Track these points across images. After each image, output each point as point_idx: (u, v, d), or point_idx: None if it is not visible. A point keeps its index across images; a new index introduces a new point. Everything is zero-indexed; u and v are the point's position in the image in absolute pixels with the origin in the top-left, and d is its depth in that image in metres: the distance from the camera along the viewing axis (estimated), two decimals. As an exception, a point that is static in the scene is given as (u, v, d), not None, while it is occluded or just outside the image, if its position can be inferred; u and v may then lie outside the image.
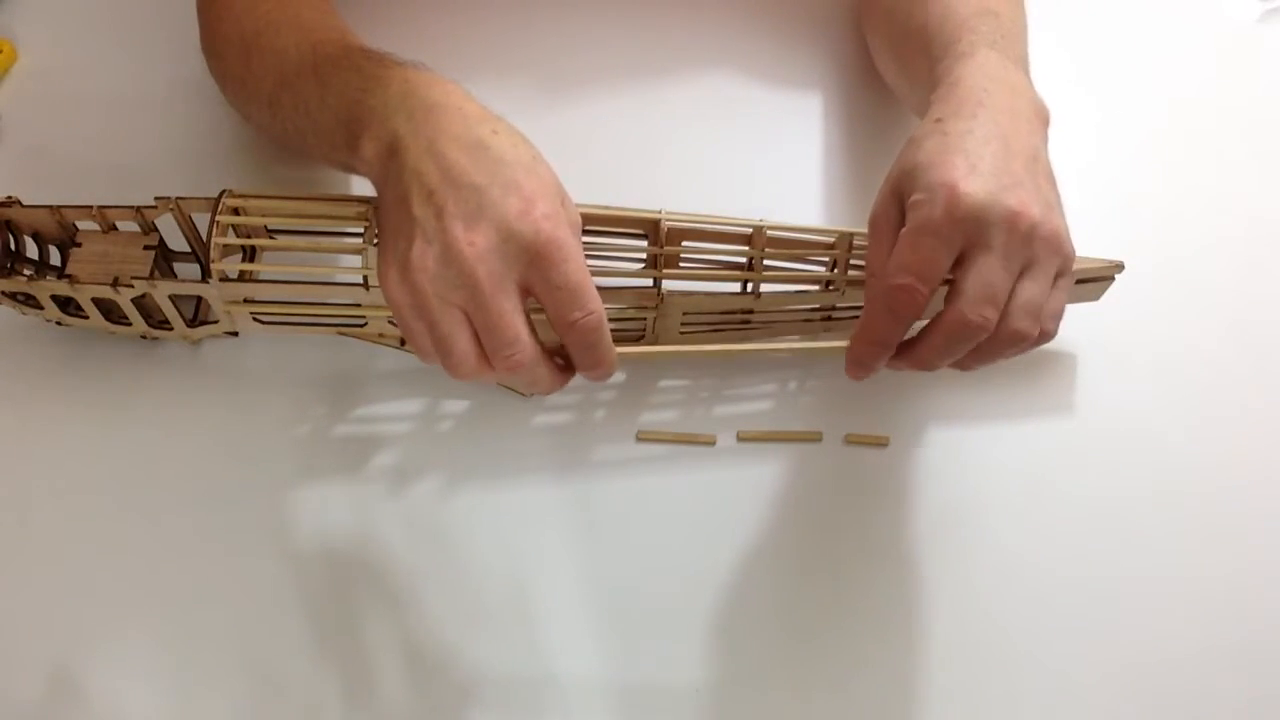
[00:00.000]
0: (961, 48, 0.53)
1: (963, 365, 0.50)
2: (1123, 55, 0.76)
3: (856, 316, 0.61)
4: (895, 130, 0.71)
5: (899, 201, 0.49)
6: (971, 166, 0.47)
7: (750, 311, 0.60)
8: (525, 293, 0.46)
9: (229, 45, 0.60)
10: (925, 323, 0.49)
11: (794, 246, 0.58)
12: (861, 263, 0.59)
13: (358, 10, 0.60)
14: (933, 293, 0.47)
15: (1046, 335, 0.50)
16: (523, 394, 0.61)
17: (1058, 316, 0.50)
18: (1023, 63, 0.55)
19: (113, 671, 0.55)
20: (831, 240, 0.58)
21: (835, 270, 0.59)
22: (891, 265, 0.48)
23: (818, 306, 0.60)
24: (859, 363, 0.51)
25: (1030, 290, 0.48)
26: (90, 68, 0.72)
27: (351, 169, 0.52)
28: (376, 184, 0.49)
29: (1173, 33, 0.77)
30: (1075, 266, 0.58)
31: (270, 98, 0.57)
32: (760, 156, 0.70)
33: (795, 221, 0.58)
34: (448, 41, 0.70)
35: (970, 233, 0.47)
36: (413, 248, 0.45)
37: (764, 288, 0.59)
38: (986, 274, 0.47)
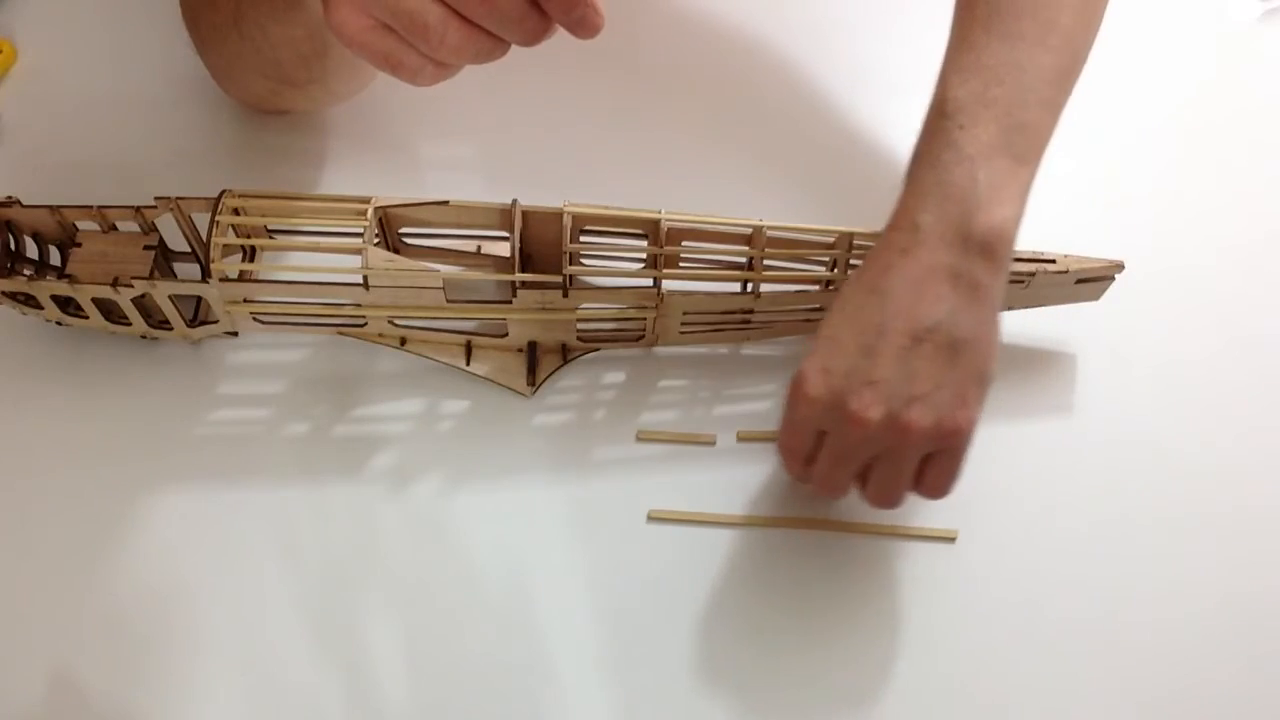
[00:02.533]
0: (939, 141, 0.52)
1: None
2: (1123, 55, 0.75)
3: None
4: (897, 128, 0.70)
5: None
6: (825, 364, 0.51)
7: (750, 311, 0.60)
8: None
9: (200, 3, 0.60)
10: None
11: (794, 246, 0.58)
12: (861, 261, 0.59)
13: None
14: (810, 460, 0.53)
15: (934, 495, 0.52)
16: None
17: (940, 486, 0.52)
18: (1005, 148, 0.52)
19: (113, 671, 0.55)
20: (831, 240, 0.58)
21: (835, 270, 0.59)
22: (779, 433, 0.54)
23: (818, 306, 0.60)
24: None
25: (882, 474, 0.51)
26: (90, 68, 0.72)
27: (312, 25, 0.51)
28: None
29: (1173, 33, 0.77)
30: (1075, 266, 0.59)
31: (234, 15, 0.56)
32: (760, 156, 0.70)
33: (795, 222, 0.58)
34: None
35: (819, 424, 0.51)
36: None
37: (764, 288, 0.59)
38: (828, 464, 0.52)
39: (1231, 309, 0.66)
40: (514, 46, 0.43)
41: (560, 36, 0.43)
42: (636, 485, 0.60)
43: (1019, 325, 0.63)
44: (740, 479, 0.60)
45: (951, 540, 0.59)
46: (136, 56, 0.72)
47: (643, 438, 0.61)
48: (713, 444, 0.61)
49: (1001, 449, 0.61)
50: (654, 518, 0.59)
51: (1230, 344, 0.65)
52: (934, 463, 0.51)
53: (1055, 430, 0.62)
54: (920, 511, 0.59)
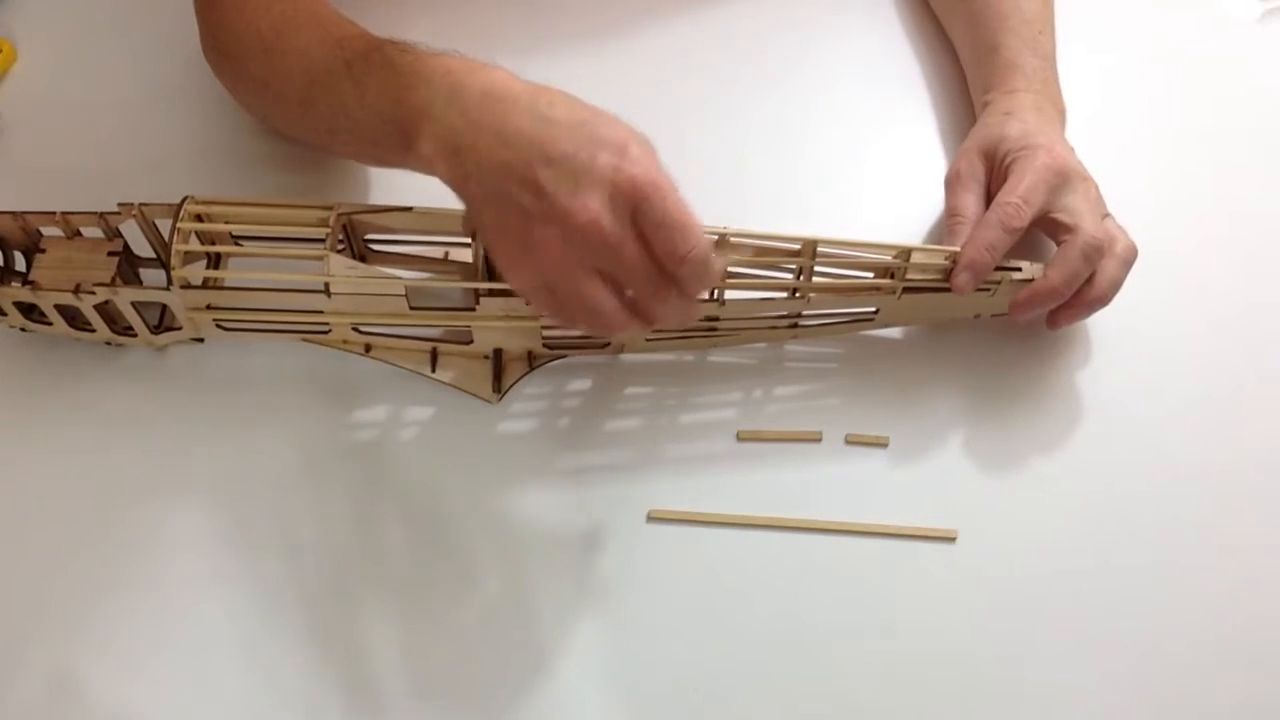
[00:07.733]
0: (1007, 55, 0.66)
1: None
2: (1123, 55, 0.75)
3: (823, 324, 0.61)
4: (887, 128, 0.71)
5: (986, 161, 0.62)
6: (1052, 142, 0.60)
7: (716, 319, 0.59)
8: (638, 236, 0.48)
9: (244, 46, 0.60)
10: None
11: (760, 253, 0.57)
12: (827, 269, 0.58)
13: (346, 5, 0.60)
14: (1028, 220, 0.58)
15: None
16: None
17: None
18: (1050, 59, 0.67)
19: (112, 671, 0.55)
20: (797, 247, 0.57)
21: (801, 278, 0.58)
22: (1005, 191, 0.58)
23: (784, 314, 0.59)
24: (972, 268, 0.57)
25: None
26: (90, 68, 0.73)
27: (403, 165, 0.53)
28: (450, 183, 0.50)
29: (1173, 32, 0.76)
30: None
31: (301, 98, 0.56)
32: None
33: (763, 229, 0.57)
34: (438, 34, 0.70)
35: (1062, 182, 0.59)
36: (531, 234, 0.47)
37: (729, 295, 0.58)
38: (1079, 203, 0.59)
39: (1231, 308, 0.65)
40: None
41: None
42: (636, 485, 0.59)
43: (1018, 325, 0.62)
44: (740, 479, 0.60)
45: (951, 540, 0.58)
46: (136, 57, 0.73)
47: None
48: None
49: (1001, 449, 0.61)
50: (654, 518, 0.59)
51: (1230, 343, 0.64)
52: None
53: (1055, 430, 0.61)
54: (921, 511, 0.59)
